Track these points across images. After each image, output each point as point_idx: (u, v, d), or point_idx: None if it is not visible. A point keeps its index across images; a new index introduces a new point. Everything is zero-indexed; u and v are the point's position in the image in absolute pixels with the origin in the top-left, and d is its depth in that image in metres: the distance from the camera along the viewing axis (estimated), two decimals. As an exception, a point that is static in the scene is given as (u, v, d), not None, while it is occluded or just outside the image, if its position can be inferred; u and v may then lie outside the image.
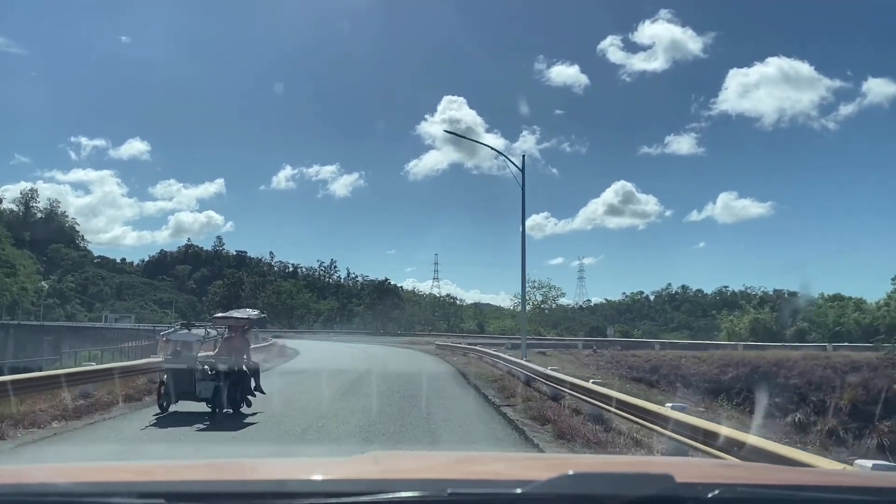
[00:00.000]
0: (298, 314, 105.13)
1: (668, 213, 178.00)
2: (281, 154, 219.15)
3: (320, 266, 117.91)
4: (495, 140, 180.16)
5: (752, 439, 6.14)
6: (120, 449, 9.02)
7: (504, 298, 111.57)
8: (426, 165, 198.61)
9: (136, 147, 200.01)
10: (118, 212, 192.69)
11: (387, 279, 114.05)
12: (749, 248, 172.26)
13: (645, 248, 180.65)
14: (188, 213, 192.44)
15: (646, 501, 1.30)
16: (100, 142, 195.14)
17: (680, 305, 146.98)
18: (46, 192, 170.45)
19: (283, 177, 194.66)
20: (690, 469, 2.10)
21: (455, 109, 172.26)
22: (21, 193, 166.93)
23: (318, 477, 1.56)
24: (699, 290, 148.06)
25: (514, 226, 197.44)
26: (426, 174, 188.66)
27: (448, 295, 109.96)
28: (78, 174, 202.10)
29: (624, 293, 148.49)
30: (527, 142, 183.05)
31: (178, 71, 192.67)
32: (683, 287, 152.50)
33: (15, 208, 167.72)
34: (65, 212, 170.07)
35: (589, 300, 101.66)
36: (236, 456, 7.96)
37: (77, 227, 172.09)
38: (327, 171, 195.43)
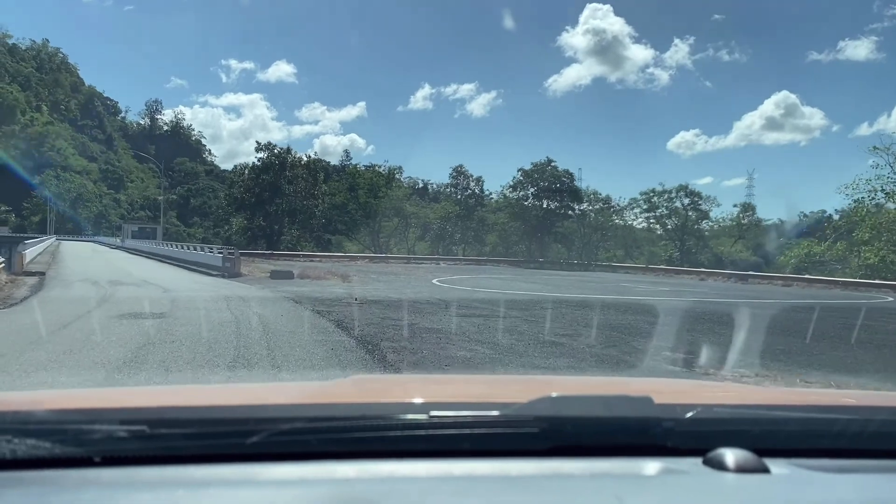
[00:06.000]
0: (388, 228, 69.09)
1: (835, 127, 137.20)
2: (420, 73, 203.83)
3: (451, 178, 77.04)
4: (643, 51, 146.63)
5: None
6: None
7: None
8: (567, 80, 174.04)
9: (282, 69, 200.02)
10: (268, 135, 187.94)
11: (550, 159, 63.96)
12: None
13: (807, 166, 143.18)
14: (332, 136, 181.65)
15: (625, 423, 1.32)
16: (248, 64, 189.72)
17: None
18: (201, 115, 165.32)
19: (420, 96, 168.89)
20: (669, 390, 2.16)
21: (599, 18, 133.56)
22: (146, 105, 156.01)
23: (299, 401, 1.59)
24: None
25: (661, 143, 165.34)
26: (567, 90, 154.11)
27: (684, 187, 63.71)
28: (229, 98, 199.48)
29: (802, 212, 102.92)
30: (679, 51, 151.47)
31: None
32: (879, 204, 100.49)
33: (141, 121, 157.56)
34: (191, 125, 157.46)
35: (759, 219, 63.24)
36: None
37: (203, 141, 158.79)
38: (465, 89, 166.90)
